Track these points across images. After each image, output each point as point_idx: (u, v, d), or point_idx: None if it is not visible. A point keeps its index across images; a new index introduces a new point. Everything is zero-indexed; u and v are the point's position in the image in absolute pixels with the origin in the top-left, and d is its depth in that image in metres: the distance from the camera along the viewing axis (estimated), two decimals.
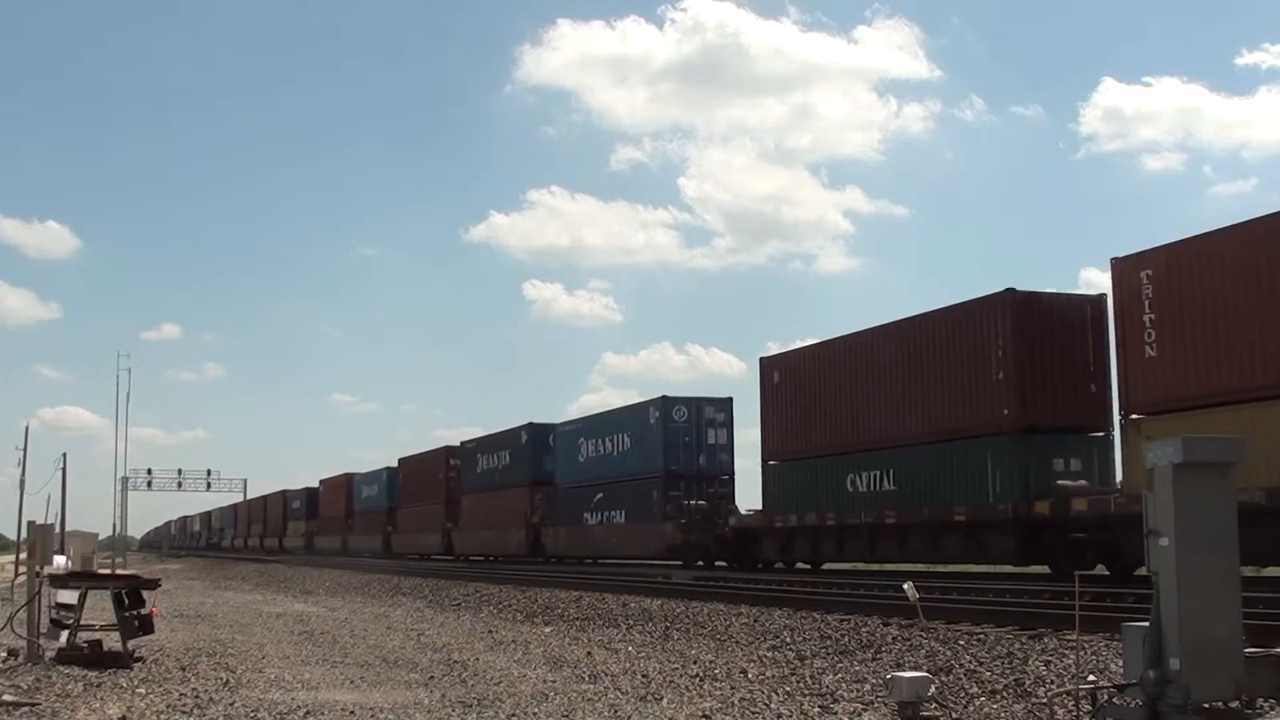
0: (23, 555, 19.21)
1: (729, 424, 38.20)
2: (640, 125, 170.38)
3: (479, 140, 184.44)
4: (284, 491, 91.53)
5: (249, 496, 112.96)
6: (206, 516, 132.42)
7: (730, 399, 38.78)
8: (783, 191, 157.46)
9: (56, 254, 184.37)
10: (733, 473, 37.68)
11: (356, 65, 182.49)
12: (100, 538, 49.83)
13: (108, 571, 24.18)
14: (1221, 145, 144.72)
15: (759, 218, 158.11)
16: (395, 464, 65.27)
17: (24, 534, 18.58)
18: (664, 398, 37.89)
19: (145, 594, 15.02)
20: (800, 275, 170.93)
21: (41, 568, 14.70)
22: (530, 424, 47.60)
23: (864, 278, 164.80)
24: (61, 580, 15.18)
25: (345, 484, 73.39)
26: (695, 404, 38.15)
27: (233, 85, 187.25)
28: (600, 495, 40.84)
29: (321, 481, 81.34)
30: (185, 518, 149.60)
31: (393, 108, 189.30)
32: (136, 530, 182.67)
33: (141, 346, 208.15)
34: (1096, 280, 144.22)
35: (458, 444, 56.17)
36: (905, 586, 15.59)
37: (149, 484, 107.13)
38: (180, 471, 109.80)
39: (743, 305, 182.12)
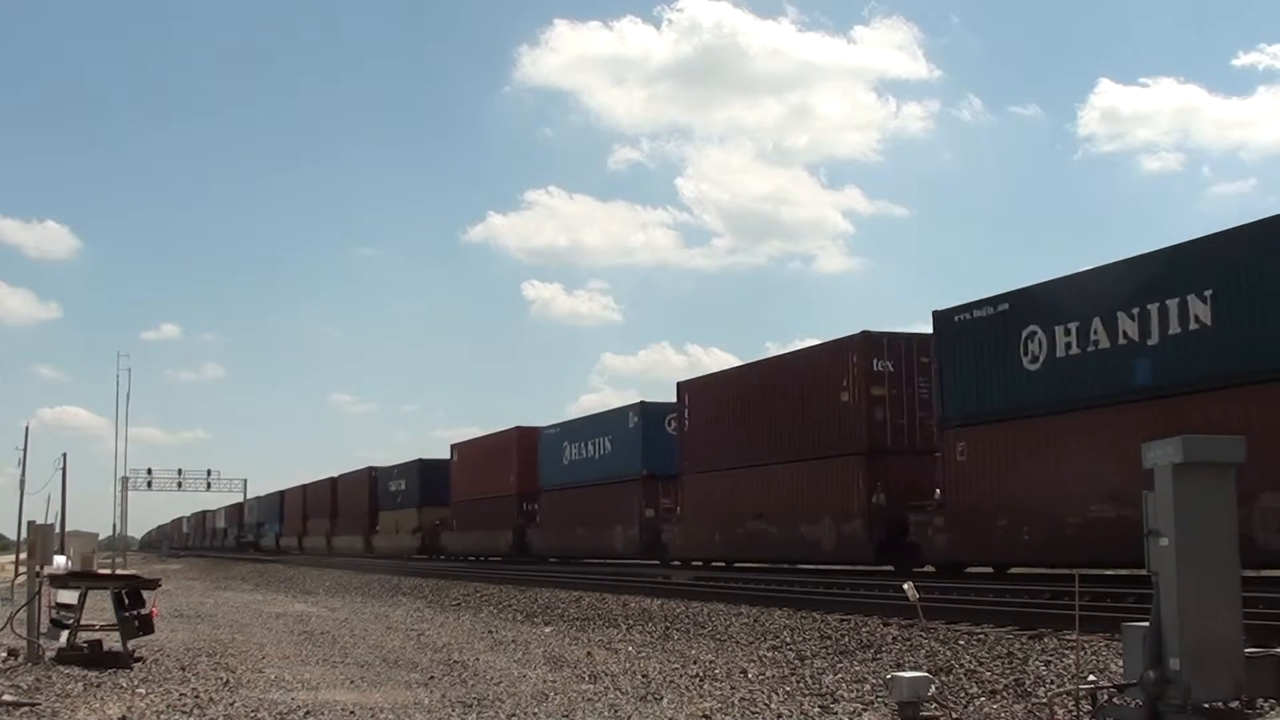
0: (23, 555, 19.19)
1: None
2: (638, 125, 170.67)
3: (477, 141, 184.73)
4: (370, 469, 67.16)
5: (294, 484, 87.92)
6: (235, 511, 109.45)
7: None
8: (781, 191, 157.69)
9: (56, 254, 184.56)
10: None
11: (355, 66, 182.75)
12: (100, 538, 49.85)
13: (108, 571, 24.18)
14: (1220, 146, 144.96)
15: (758, 218, 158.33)
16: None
17: (24, 534, 18.57)
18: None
19: (145, 594, 15.02)
20: (799, 275, 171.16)
21: (41, 568, 14.70)
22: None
23: (863, 278, 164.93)
24: (61, 580, 15.18)
25: (516, 445, 46.67)
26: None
27: (232, 86, 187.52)
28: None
29: (455, 447, 54.40)
30: (204, 513, 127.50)
31: (391, 109, 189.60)
32: (136, 530, 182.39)
33: (141, 346, 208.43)
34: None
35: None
36: (905, 586, 15.59)
37: (149, 484, 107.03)
38: (180, 471, 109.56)
39: (742, 305, 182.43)
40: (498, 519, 47.83)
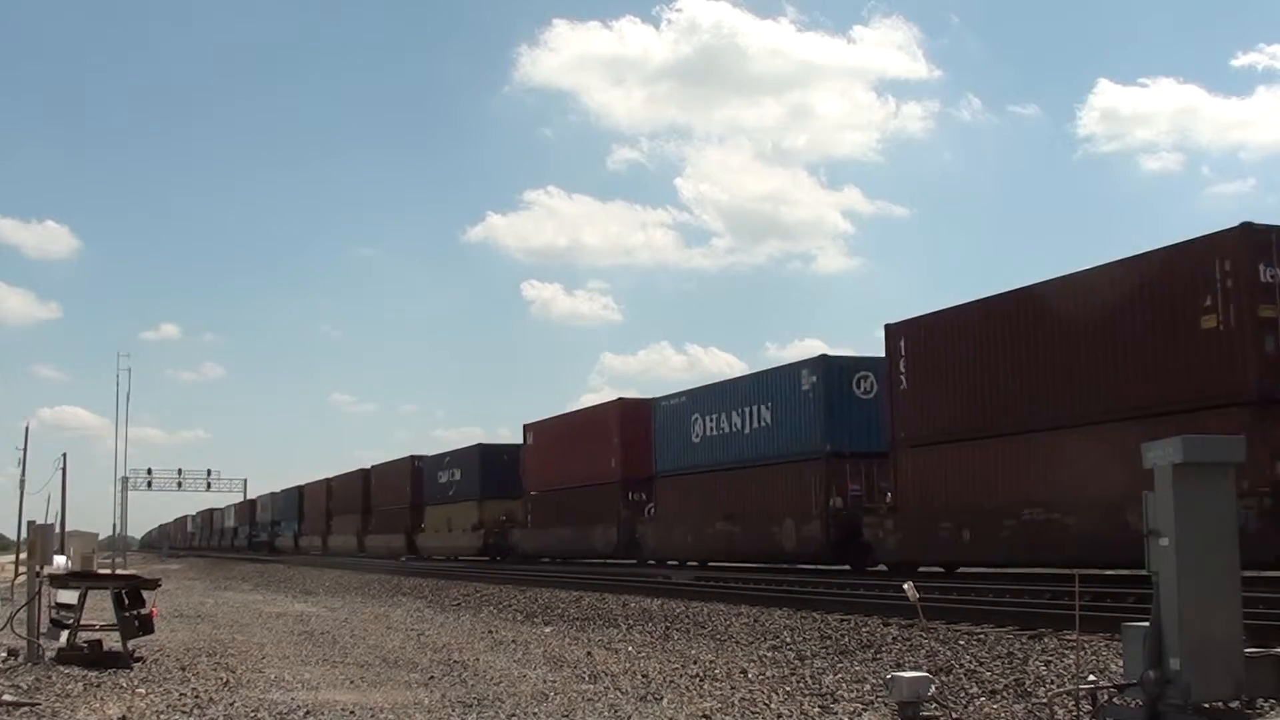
0: (23, 555, 19.20)
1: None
2: (637, 126, 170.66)
3: (477, 141, 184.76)
4: (414, 458, 59.92)
5: (331, 475, 77.37)
6: (247, 508, 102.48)
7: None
8: (781, 191, 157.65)
9: (56, 254, 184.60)
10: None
11: (355, 67, 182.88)
12: (100, 538, 49.81)
13: (108, 571, 24.18)
14: (1219, 146, 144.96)
15: (757, 217, 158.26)
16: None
17: (24, 534, 18.57)
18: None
19: (145, 594, 15.03)
20: (799, 275, 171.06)
21: (41, 568, 14.70)
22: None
23: (863, 278, 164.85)
24: (61, 580, 15.18)
25: (618, 421, 39.22)
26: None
27: (232, 86, 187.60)
28: None
29: (528, 428, 47.22)
30: (211, 511, 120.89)
31: (391, 109, 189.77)
32: (136, 530, 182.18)
33: (141, 346, 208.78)
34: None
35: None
36: (905, 586, 15.60)
37: (149, 484, 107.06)
38: (180, 471, 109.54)
39: (742, 305, 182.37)
40: (594, 513, 39.45)
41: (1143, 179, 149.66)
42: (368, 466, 68.80)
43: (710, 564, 33.67)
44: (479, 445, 51.68)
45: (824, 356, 28.98)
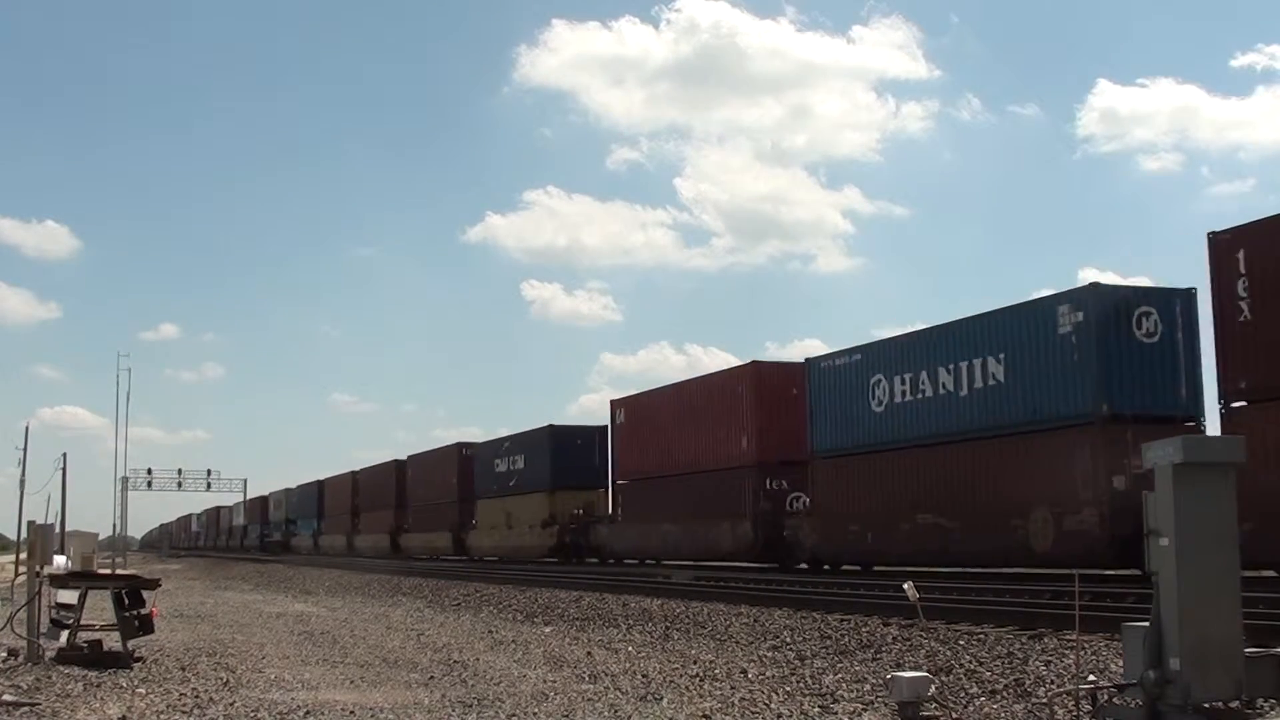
0: (23, 555, 19.20)
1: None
2: (637, 125, 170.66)
3: (476, 141, 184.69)
4: (462, 445, 52.73)
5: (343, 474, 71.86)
6: (258, 506, 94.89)
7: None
8: (780, 191, 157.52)
9: (55, 254, 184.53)
10: None
11: (355, 67, 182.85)
12: (100, 538, 49.83)
13: (108, 571, 24.19)
14: (1218, 146, 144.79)
15: (757, 218, 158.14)
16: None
17: (24, 534, 18.57)
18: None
19: (145, 594, 15.03)
20: (799, 275, 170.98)
21: (41, 568, 14.70)
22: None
23: (863, 278, 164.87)
24: (61, 580, 15.19)
25: (753, 388, 31.80)
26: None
27: (231, 86, 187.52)
28: None
29: (617, 404, 40.50)
30: (218, 509, 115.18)
31: (391, 109, 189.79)
32: (137, 530, 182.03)
33: (140, 346, 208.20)
34: (1094, 280, 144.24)
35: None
36: (905, 586, 15.59)
37: (149, 484, 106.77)
38: (180, 471, 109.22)
39: (742, 305, 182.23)
40: (716, 503, 32.73)
41: (1142, 179, 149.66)
42: (403, 457, 61.23)
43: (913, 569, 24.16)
44: (549, 426, 44.37)
45: (1095, 285, 21.61)
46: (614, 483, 39.84)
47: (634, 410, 38.92)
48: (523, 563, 42.53)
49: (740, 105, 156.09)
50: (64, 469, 38.40)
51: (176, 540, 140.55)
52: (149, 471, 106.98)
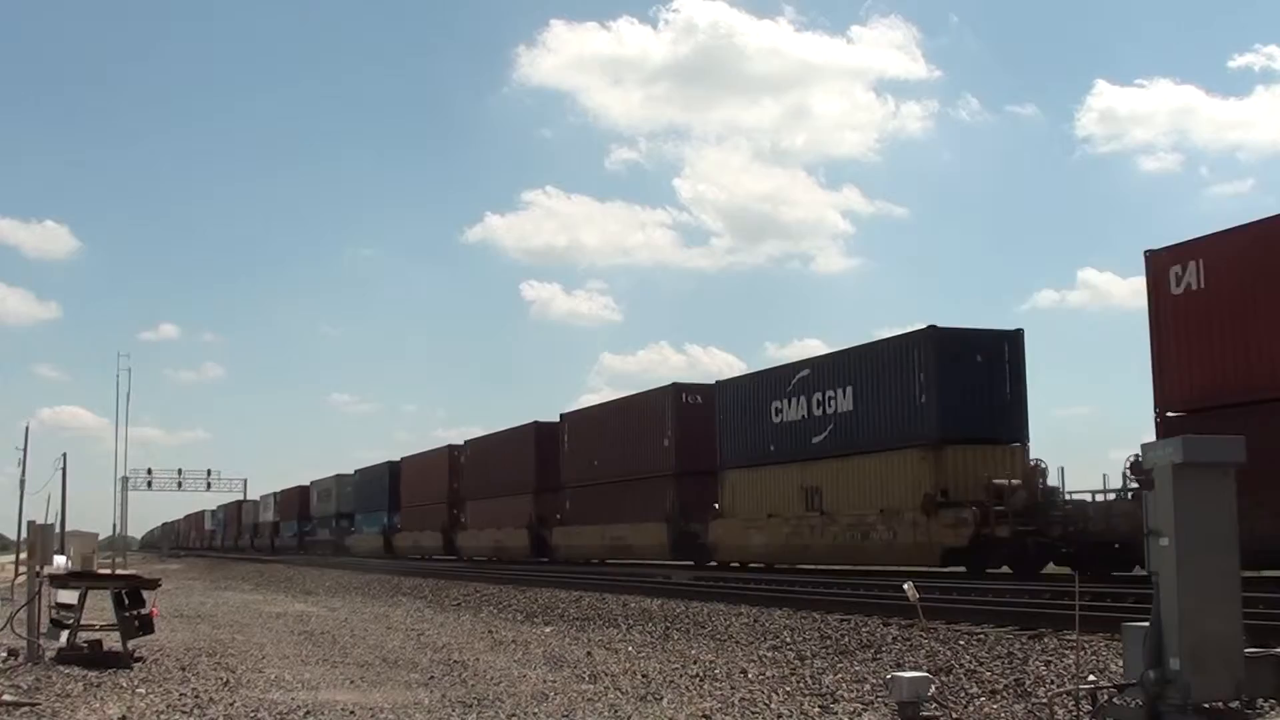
0: (23, 555, 19.20)
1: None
2: (636, 126, 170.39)
3: (474, 142, 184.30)
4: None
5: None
6: (295, 498, 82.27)
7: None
8: (780, 191, 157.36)
9: (55, 254, 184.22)
10: None
11: (354, 67, 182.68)
12: (100, 538, 49.75)
13: (108, 571, 24.19)
14: (1217, 146, 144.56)
15: (756, 217, 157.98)
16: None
17: (24, 534, 18.57)
18: None
19: (145, 594, 15.03)
20: (798, 275, 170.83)
21: (41, 568, 14.70)
22: None
23: (862, 278, 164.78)
24: (61, 580, 15.18)
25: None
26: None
27: (231, 86, 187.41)
28: None
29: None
30: (238, 504, 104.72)
31: (390, 110, 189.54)
32: (137, 530, 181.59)
33: (141, 346, 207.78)
34: (1094, 280, 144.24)
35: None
36: (905, 586, 15.59)
37: (149, 484, 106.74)
38: (180, 471, 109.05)
39: (741, 305, 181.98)
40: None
41: (1141, 179, 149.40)
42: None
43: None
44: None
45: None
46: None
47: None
48: (519, 563, 44.42)
49: (739, 105, 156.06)
50: (64, 469, 38.40)
51: (186, 540, 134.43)
52: (149, 471, 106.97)
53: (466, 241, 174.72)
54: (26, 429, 55.88)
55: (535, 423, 46.72)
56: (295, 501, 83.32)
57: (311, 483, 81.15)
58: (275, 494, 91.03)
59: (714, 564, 33.75)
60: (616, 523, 38.97)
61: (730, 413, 33.42)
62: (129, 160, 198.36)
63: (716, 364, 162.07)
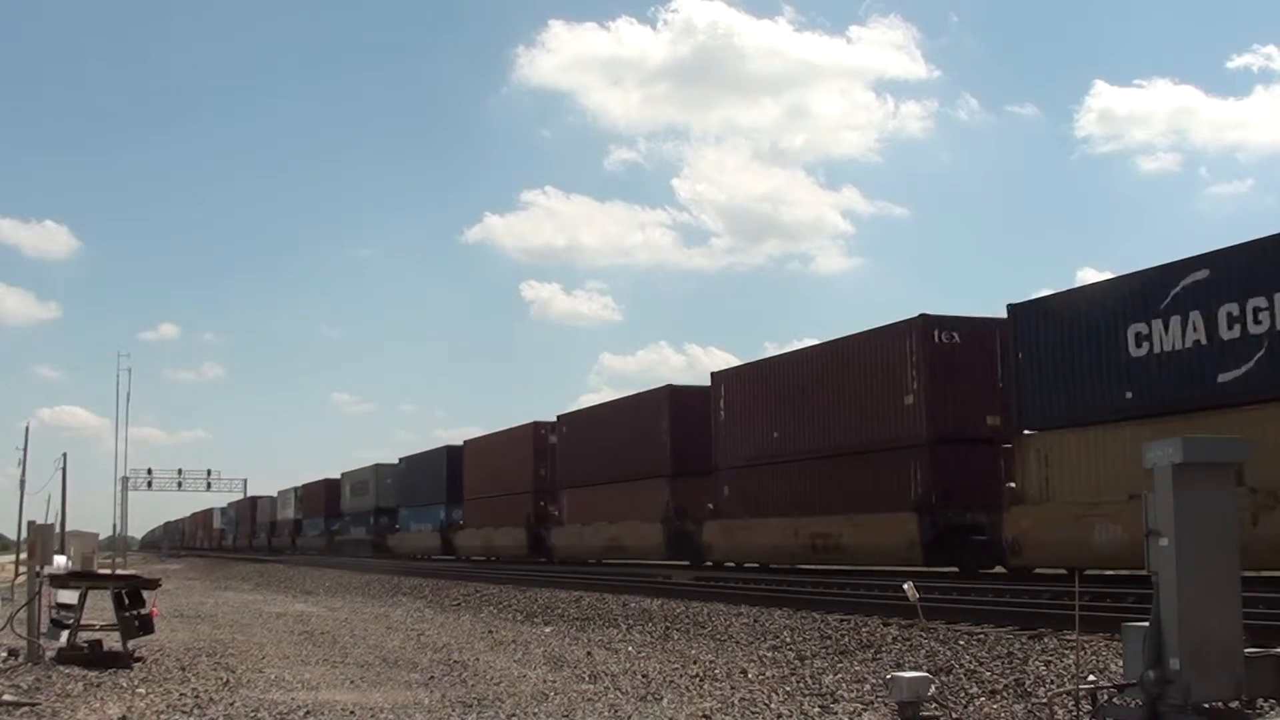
0: (23, 555, 19.20)
1: None
2: (635, 126, 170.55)
3: (474, 142, 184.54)
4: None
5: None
6: (323, 491, 73.26)
7: None
8: (779, 191, 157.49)
9: (55, 254, 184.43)
10: None
11: (354, 68, 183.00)
12: (100, 538, 49.75)
13: (108, 571, 24.19)
14: (1216, 147, 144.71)
15: (756, 218, 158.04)
16: None
17: (24, 534, 18.57)
18: None
19: (145, 594, 15.03)
20: (798, 275, 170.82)
21: (41, 568, 14.70)
22: None
23: (862, 278, 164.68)
24: (61, 580, 15.18)
25: None
26: None
27: (231, 87, 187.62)
28: None
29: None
30: (253, 500, 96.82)
31: (389, 110, 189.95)
32: (137, 530, 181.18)
33: (141, 346, 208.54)
34: (1094, 280, 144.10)
35: None
36: (905, 586, 15.58)
37: (149, 484, 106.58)
38: (180, 471, 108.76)
39: (741, 305, 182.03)
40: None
41: (1141, 180, 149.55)
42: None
43: None
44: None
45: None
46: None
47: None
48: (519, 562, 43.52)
49: (738, 105, 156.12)
50: (64, 469, 38.50)
51: (192, 540, 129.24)
52: (149, 471, 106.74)
53: (466, 241, 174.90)
54: (26, 429, 56.07)
55: (669, 386, 36.68)
56: (321, 496, 74.15)
57: (343, 474, 71.35)
58: (296, 488, 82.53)
59: (1016, 567, 22.65)
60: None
61: (1050, 346, 21.42)
62: (129, 160, 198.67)
63: (717, 365, 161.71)
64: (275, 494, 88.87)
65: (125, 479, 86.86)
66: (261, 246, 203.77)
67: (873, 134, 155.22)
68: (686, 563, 33.97)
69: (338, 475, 72.79)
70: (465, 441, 52.47)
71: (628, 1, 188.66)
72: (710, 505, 32.08)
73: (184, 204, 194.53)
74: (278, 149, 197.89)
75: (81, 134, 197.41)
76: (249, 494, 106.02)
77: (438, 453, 55.96)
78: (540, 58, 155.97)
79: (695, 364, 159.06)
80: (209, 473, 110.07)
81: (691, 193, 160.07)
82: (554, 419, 44.63)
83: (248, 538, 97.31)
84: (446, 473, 53.58)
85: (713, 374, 33.05)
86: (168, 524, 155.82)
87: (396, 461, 62.34)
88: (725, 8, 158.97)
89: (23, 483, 32.90)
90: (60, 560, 17.92)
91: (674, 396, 35.91)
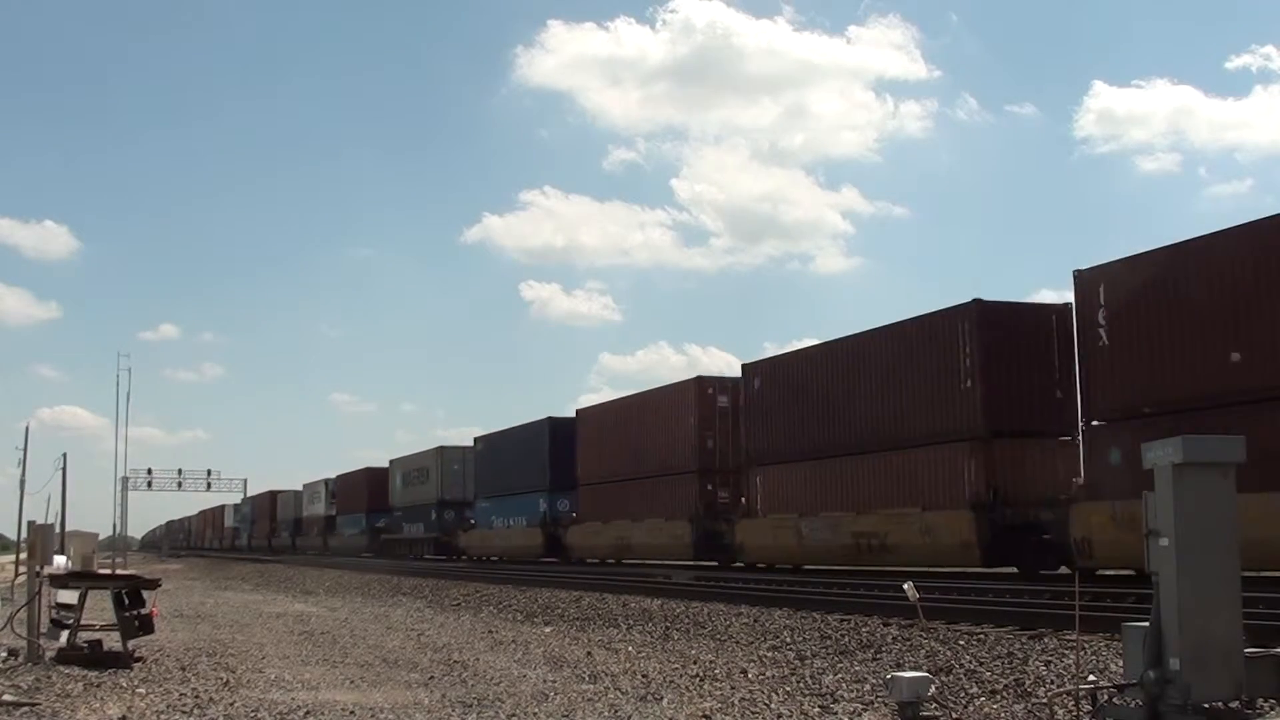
0: (23, 555, 19.19)
1: None
2: (634, 126, 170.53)
3: (473, 142, 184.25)
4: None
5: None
6: (364, 483, 63.99)
7: None
8: (779, 191, 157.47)
9: (55, 254, 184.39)
10: None
11: (353, 68, 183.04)
12: (100, 538, 49.74)
13: (108, 571, 24.18)
14: (1215, 147, 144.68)
15: (755, 217, 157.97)
16: None
17: (24, 534, 18.56)
18: None
19: (145, 594, 15.03)
20: (798, 275, 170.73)
21: (41, 568, 14.70)
22: None
23: (862, 278, 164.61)
24: (61, 580, 15.19)
25: None
26: None
27: (231, 87, 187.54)
28: None
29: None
30: (272, 495, 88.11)
31: (389, 110, 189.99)
32: (137, 530, 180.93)
33: (140, 346, 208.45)
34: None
35: None
36: (905, 586, 15.59)
37: (149, 484, 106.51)
38: (180, 471, 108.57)
39: (741, 305, 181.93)
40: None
41: (1140, 180, 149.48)
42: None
43: None
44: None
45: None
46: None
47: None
48: (522, 562, 42.39)
49: (737, 105, 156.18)
50: (64, 469, 38.42)
51: (200, 540, 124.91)
52: (149, 471, 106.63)
53: (465, 242, 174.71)
54: (26, 429, 56.03)
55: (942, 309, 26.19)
56: (363, 489, 63.56)
57: (392, 461, 60.75)
58: (328, 480, 72.41)
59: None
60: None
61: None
62: (129, 160, 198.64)
63: (717, 365, 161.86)
64: (300, 487, 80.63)
65: (125, 479, 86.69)
66: (261, 246, 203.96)
67: (872, 134, 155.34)
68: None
69: (337, 473, 70.71)
70: (578, 410, 42.34)
71: (627, 1, 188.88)
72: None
73: (184, 204, 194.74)
74: (277, 149, 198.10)
75: (81, 134, 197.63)
76: (249, 494, 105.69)
77: (538, 426, 44.65)
78: (539, 58, 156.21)
79: (695, 364, 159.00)
80: (209, 473, 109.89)
81: (691, 193, 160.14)
82: (735, 372, 33.53)
83: (266, 537, 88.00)
84: (549, 453, 43.18)
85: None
86: (170, 523, 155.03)
87: (473, 442, 51.86)
88: (724, 8, 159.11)
89: (23, 483, 32.84)
90: (60, 560, 17.92)
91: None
